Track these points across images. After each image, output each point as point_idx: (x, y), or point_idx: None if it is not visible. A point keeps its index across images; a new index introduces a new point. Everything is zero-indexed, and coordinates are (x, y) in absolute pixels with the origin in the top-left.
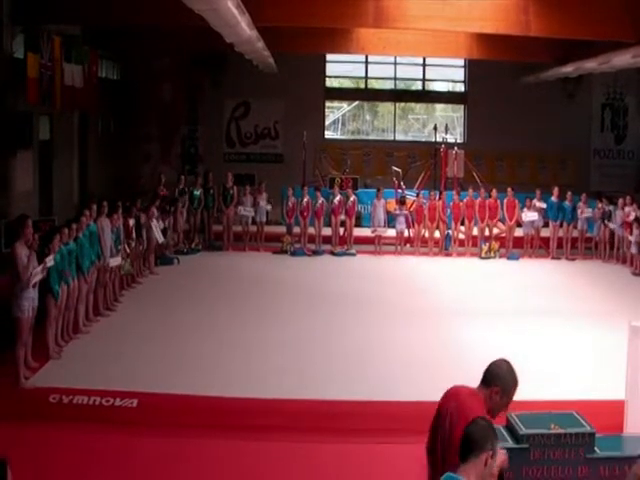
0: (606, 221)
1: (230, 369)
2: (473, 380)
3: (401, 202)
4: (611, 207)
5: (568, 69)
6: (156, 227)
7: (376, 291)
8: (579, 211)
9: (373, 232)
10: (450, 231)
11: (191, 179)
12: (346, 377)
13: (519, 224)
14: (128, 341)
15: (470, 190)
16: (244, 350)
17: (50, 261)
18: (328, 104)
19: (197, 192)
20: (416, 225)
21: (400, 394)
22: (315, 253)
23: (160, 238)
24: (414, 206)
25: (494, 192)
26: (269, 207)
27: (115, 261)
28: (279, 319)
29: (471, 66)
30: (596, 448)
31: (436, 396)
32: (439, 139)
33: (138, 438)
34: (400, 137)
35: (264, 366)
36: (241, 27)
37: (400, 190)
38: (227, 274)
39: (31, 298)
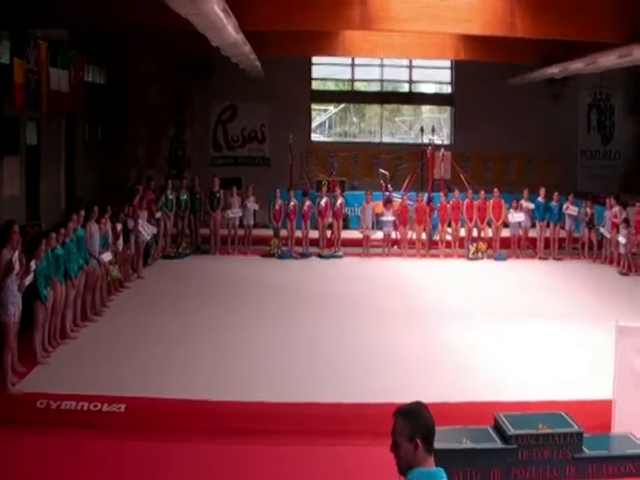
0: (598, 227)
1: (219, 372)
2: (460, 381)
3: (387, 203)
4: (592, 210)
5: (554, 70)
6: (143, 226)
7: (364, 293)
8: (564, 207)
9: (361, 232)
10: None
11: (176, 183)
12: (334, 379)
13: (506, 225)
14: (116, 346)
15: (456, 191)
16: (233, 353)
17: (34, 265)
18: (315, 107)
19: (184, 196)
20: (401, 227)
21: (387, 396)
22: (303, 256)
23: (147, 237)
24: (399, 208)
25: (482, 193)
26: (257, 206)
27: (107, 256)
28: (267, 322)
29: (457, 67)
30: (584, 448)
31: (424, 397)
32: (426, 141)
33: (126, 443)
34: (387, 139)
35: (253, 369)
36: (227, 31)
37: (387, 192)
38: (215, 278)
39: (17, 303)
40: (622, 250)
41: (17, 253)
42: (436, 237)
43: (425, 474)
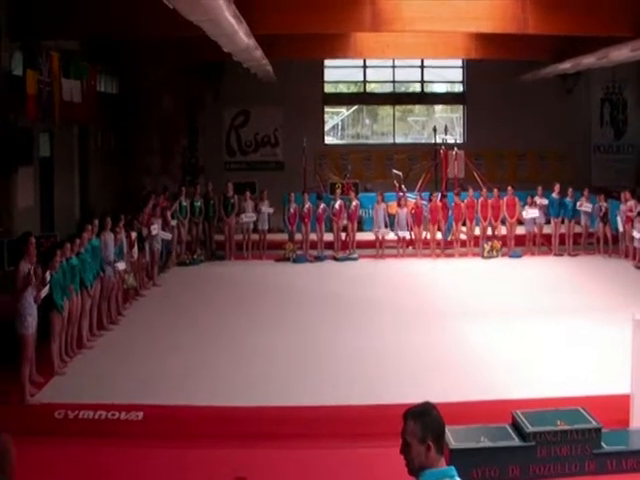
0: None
1: (236, 378)
2: (477, 380)
3: (401, 202)
4: (606, 204)
5: (566, 65)
6: (157, 230)
7: (380, 295)
8: (578, 204)
9: (375, 233)
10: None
11: (190, 190)
12: (352, 381)
13: (520, 222)
14: (132, 354)
15: (471, 190)
16: (250, 359)
17: (49, 276)
18: (327, 109)
19: (198, 203)
20: (416, 227)
21: (407, 397)
22: (317, 259)
23: (168, 236)
24: (414, 208)
25: (496, 191)
26: (271, 210)
27: (122, 265)
28: (284, 326)
29: (469, 66)
30: (603, 443)
31: (442, 397)
32: (439, 140)
33: (145, 450)
34: (400, 140)
35: (271, 374)
36: (239, 36)
37: (401, 193)
38: (230, 283)
39: (34, 314)
40: (637, 244)
41: (33, 265)
42: (451, 237)
43: (438, 474)
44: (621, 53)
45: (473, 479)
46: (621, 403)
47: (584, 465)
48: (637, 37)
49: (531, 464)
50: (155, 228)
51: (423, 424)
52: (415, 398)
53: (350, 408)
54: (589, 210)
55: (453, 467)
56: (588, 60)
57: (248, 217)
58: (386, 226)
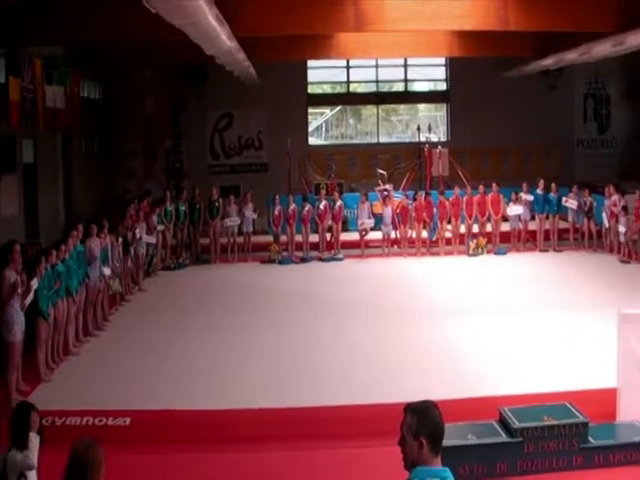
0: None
1: (224, 381)
2: (465, 377)
3: (386, 199)
4: (591, 199)
5: (549, 61)
6: (141, 232)
7: (366, 294)
8: (564, 199)
9: (360, 225)
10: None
11: (174, 194)
12: (341, 381)
13: (505, 219)
14: (119, 360)
15: (456, 188)
16: (238, 362)
17: (35, 283)
18: (311, 110)
19: (182, 207)
20: (401, 226)
21: (394, 396)
22: (303, 260)
23: (152, 240)
24: (399, 207)
25: (482, 188)
26: (255, 215)
27: (106, 270)
28: (271, 328)
29: (452, 64)
30: (590, 437)
31: (429, 394)
32: (423, 139)
33: (133, 456)
34: (384, 139)
35: (259, 377)
36: (221, 39)
37: (385, 192)
38: (216, 287)
39: (21, 322)
40: (622, 238)
41: (19, 273)
42: (436, 237)
43: (428, 472)
44: (603, 48)
45: (461, 476)
46: (607, 397)
47: (571, 460)
48: (619, 32)
49: (519, 460)
50: (139, 232)
51: (419, 420)
52: (402, 397)
53: (338, 408)
54: (574, 207)
55: (447, 469)
56: (571, 56)
57: (232, 221)
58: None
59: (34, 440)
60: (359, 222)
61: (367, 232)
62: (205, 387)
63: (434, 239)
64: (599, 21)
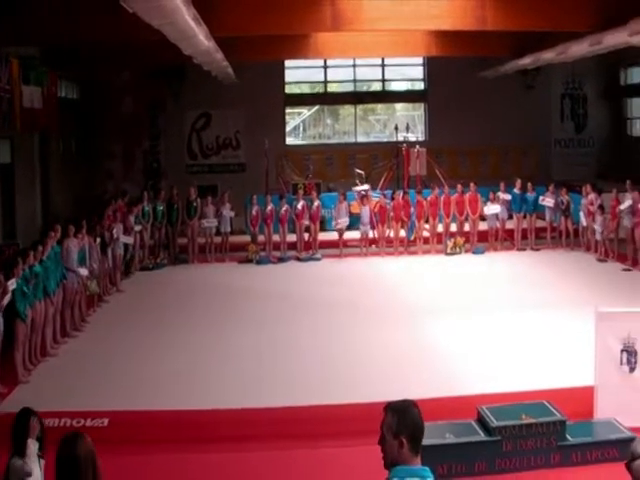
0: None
1: (202, 381)
2: (443, 376)
3: (363, 199)
4: (568, 198)
5: (526, 61)
6: (118, 233)
7: (344, 293)
8: (541, 198)
9: (336, 225)
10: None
11: (152, 194)
12: (319, 381)
13: (483, 218)
14: (96, 361)
15: (436, 189)
16: (215, 362)
17: (12, 284)
18: (288, 110)
19: (160, 207)
20: (379, 225)
21: (372, 395)
22: (281, 260)
23: (129, 240)
24: (377, 206)
25: (459, 187)
26: (232, 214)
27: (83, 271)
28: (249, 328)
29: (430, 64)
30: (567, 435)
31: (407, 394)
32: (400, 138)
33: (111, 456)
34: (362, 139)
35: (237, 376)
36: (199, 39)
37: (363, 191)
38: (194, 287)
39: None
40: (599, 237)
41: None
42: (413, 236)
43: (408, 471)
44: (580, 48)
45: (440, 475)
46: (585, 395)
47: (549, 458)
48: (596, 32)
49: (497, 458)
50: (116, 233)
51: (399, 419)
52: (380, 396)
53: (317, 408)
54: (551, 205)
55: (427, 468)
56: (548, 55)
57: (210, 222)
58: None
59: (32, 446)
60: (334, 222)
61: (343, 231)
62: (184, 387)
63: (412, 239)
64: (576, 21)
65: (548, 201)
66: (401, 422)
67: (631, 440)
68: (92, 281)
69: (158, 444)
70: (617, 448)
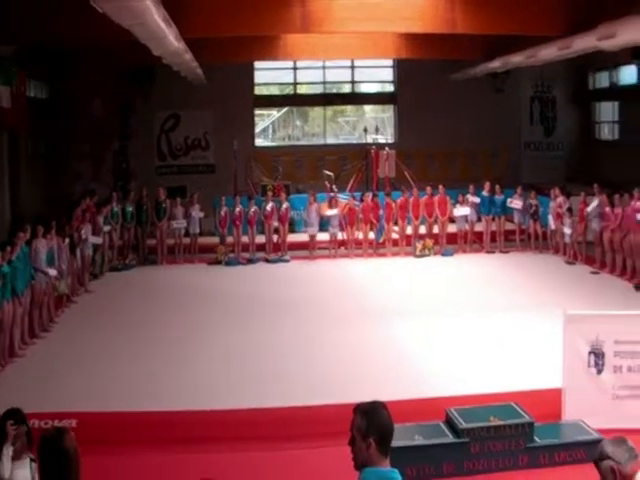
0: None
1: (170, 382)
2: (411, 378)
3: (332, 203)
4: (536, 201)
5: (496, 64)
6: (87, 233)
7: (313, 295)
8: (509, 201)
9: (306, 232)
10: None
11: (120, 195)
12: (286, 383)
13: (452, 220)
14: (65, 362)
15: (406, 192)
16: (183, 363)
17: None
18: (257, 112)
19: (129, 208)
20: (348, 227)
21: (340, 397)
22: (250, 261)
23: (98, 240)
24: (346, 208)
25: (429, 189)
26: (202, 214)
27: (52, 271)
28: (217, 330)
29: (400, 66)
30: (535, 437)
31: (376, 395)
32: (370, 140)
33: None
34: (331, 141)
35: (204, 378)
36: (169, 40)
37: (332, 193)
38: (163, 288)
39: None
40: (567, 240)
41: None
42: (382, 239)
43: (377, 474)
44: (549, 52)
45: (408, 477)
46: (553, 397)
47: (517, 459)
48: (564, 35)
49: (465, 460)
50: (85, 233)
51: (368, 421)
52: (349, 398)
53: (285, 409)
54: (519, 207)
55: (396, 470)
56: (517, 59)
57: (179, 224)
58: (317, 225)
59: (6, 451)
60: (306, 226)
61: (314, 237)
62: (153, 388)
63: (381, 241)
64: (546, 25)
65: (516, 203)
66: (370, 424)
67: (598, 442)
68: (61, 282)
69: (127, 445)
70: (584, 449)
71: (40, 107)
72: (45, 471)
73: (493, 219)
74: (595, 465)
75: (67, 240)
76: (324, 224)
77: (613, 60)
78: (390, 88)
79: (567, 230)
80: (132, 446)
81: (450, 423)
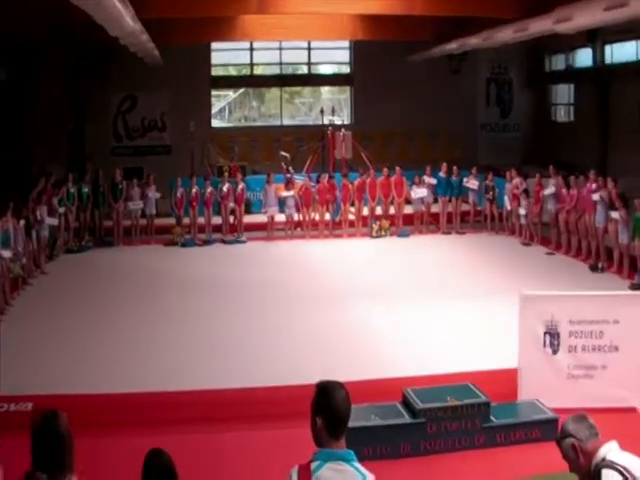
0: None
1: (126, 364)
2: (368, 359)
3: (289, 184)
4: (493, 183)
5: (452, 46)
6: (43, 216)
7: (269, 276)
8: (465, 180)
9: (265, 213)
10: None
11: (76, 177)
12: (243, 364)
13: (408, 202)
14: (21, 345)
15: (364, 174)
16: (140, 346)
17: None
18: (214, 93)
19: (85, 189)
20: (304, 209)
21: (296, 378)
22: (206, 243)
23: (54, 221)
24: (302, 190)
25: (385, 171)
26: (158, 195)
27: (7, 253)
28: (173, 311)
29: (356, 47)
30: (492, 417)
31: (332, 376)
32: (326, 122)
33: None
34: (287, 122)
35: (161, 360)
36: (125, 20)
37: (288, 174)
38: (119, 270)
39: None
40: (523, 221)
41: None
42: (339, 218)
43: (330, 454)
44: (506, 34)
45: (364, 457)
46: (509, 377)
47: (474, 439)
48: (521, 18)
49: (422, 440)
50: (40, 215)
51: (318, 399)
52: (304, 379)
53: (243, 390)
54: (475, 187)
55: (351, 451)
56: (474, 41)
57: (135, 205)
58: (276, 206)
59: None
60: (264, 209)
61: (273, 218)
62: (107, 370)
63: (337, 220)
64: (503, 7)
65: (472, 183)
66: (319, 402)
67: (554, 421)
68: (16, 264)
69: (82, 428)
70: (540, 429)
71: None
72: (39, 453)
73: (450, 200)
74: (557, 443)
75: (23, 222)
76: (280, 205)
77: (569, 43)
78: (347, 69)
79: (523, 211)
80: (90, 429)
81: (407, 403)
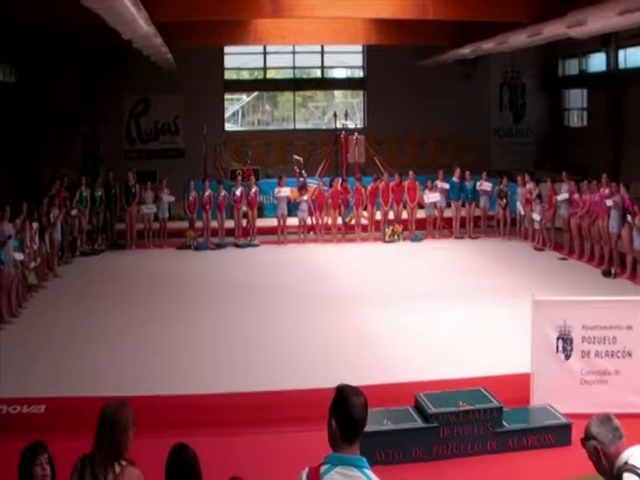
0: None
1: (139, 368)
2: (381, 363)
3: (302, 189)
4: (506, 188)
5: (465, 50)
6: (56, 219)
7: (281, 280)
8: (478, 184)
9: (278, 218)
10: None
11: (89, 180)
12: (256, 368)
13: (421, 206)
14: (33, 347)
15: (378, 180)
16: (153, 348)
17: None
18: (227, 96)
19: (98, 192)
20: (317, 213)
21: (309, 382)
22: (219, 246)
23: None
24: (315, 193)
25: (397, 176)
26: (172, 198)
27: (19, 256)
28: (187, 314)
29: (369, 52)
30: (504, 422)
31: (346, 380)
32: (339, 126)
33: (49, 443)
34: (300, 126)
35: (175, 362)
36: (138, 23)
37: (301, 178)
38: (132, 273)
39: None
40: (536, 226)
41: None
42: (350, 219)
43: (341, 459)
44: (519, 39)
45: (377, 462)
46: (521, 382)
47: (486, 444)
48: (535, 23)
49: (434, 445)
50: (54, 217)
51: (335, 401)
52: (317, 383)
53: (255, 395)
54: (488, 189)
55: (364, 458)
56: (487, 45)
57: (148, 208)
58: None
59: None
60: (279, 211)
61: (285, 219)
62: (122, 373)
63: (347, 220)
64: (516, 12)
65: (486, 185)
66: (336, 404)
67: (566, 426)
68: (31, 272)
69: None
70: (553, 434)
71: (7, 90)
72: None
73: (463, 205)
74: (581, 443)
75: (36, 224)
76: (293, 209)
77: (582, 47)
78: (360, 74)
79: (536, 216)
80: None
81: (419, 408)
